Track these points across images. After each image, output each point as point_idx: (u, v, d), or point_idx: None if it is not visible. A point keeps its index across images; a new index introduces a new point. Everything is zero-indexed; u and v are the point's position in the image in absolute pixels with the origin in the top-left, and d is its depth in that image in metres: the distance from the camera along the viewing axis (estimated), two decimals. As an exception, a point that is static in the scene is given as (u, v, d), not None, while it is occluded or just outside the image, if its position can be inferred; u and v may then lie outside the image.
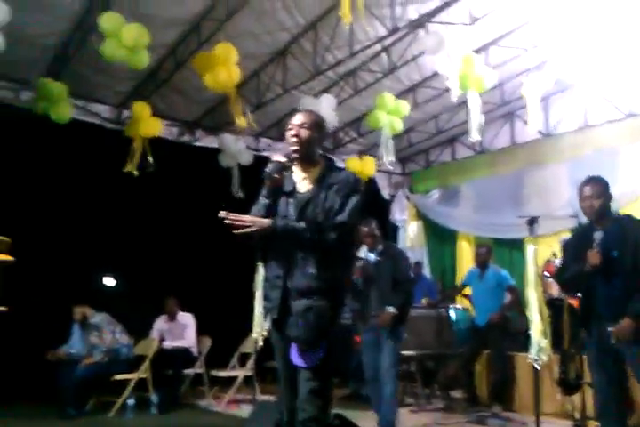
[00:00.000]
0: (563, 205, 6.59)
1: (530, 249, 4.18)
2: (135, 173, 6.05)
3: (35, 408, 5.73)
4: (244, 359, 6.74)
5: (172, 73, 6.12)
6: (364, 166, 7.69)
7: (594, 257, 3.31)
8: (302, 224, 2.55)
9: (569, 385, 4.80)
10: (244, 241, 2.56)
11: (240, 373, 6.56)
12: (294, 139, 2.68)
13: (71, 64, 5.80)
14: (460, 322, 6.53)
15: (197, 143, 7.56)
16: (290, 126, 2.72)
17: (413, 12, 5.32)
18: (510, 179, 7.76)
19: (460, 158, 8.57)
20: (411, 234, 9.07)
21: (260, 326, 5.26)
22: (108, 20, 4.66)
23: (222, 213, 2.48)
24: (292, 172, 2.72)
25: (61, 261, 6.79)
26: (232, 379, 6.53)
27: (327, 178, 2.66)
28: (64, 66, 5.82)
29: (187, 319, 6.82)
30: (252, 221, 2.53)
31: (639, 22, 5.39)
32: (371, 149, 8.05)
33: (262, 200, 2.66)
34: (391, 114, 6.35)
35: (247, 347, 6.57)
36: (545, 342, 4.04)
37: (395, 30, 5.43)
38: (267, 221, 2.55)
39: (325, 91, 6.69)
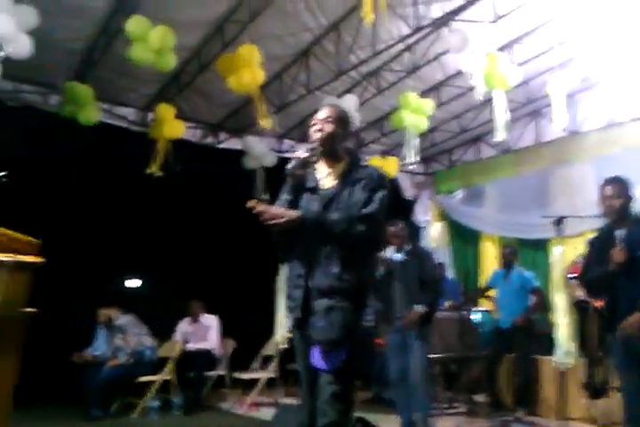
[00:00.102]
0: (589, 205, 6.44)
1: (556, 250, 4.12)
2: (159, 173, 6.08)
3: (60, 410, 5.84)
4: (266, 362, 6.74)
5: (196, 75, 6.15)
6: (386, 167, 7.63)
7: (618, 254, 3.23)
8: (334, 215, 2.48)
9: (595, 389, 4.73)
10: (276, 234, 2.51)
11: (263, 375, 6.55)
12: (318, 133, 2.64)
13: (97, 68, 5.88)
14: (484, 324, 6.45)
15: (221, 145, 7.58)
16: (314, 121, 2.68)
17: (437, 11, 5.26)
18: (535, 178, 7.62)
19: (485, 158, 8.44)
20: (434, 235, 8.97)
21: (283, 328, 5.25)
22: (134, 24, 4.72)
23: (250, 203, 2.44)
24: (314, 168, 2.67)
25: (87, 262, 6.89)
26: (254, 381, 6.53)
27: (352, 173, 2.61)
28: (90, 70, 5.90)
29: (210, 321, 6.85)
30: (282, 213, 2.48)
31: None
32: (394, 149, 8.01)
33: (284, 196, 2.61)
34: (415, 113, 6.30)
35: (270, 349, 6.58)
36: (571, 346, 3.97)
37: (418, 29, 5.37)
38: (295, 213, 2.50)
39: (348, 91, 6.66)
